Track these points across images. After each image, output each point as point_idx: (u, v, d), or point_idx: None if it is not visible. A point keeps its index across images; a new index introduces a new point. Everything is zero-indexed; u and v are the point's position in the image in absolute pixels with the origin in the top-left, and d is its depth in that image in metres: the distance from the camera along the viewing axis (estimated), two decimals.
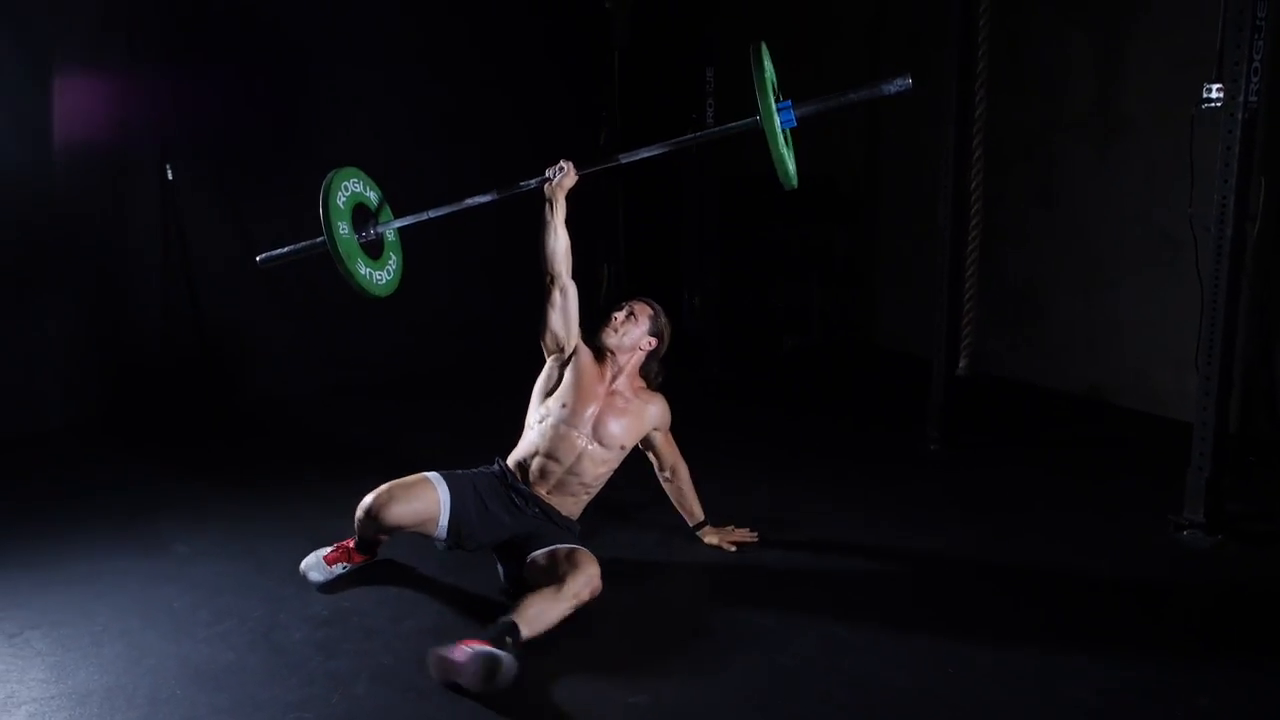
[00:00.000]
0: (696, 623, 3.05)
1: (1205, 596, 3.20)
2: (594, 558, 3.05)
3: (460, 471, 3.24)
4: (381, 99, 5.52)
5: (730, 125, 3.05)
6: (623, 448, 3.32)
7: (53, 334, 4.80)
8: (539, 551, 3.06)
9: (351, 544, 3.27)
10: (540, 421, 3.30)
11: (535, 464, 3.27)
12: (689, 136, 3.31)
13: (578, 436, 3.25)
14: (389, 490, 3.09)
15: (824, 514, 3.78)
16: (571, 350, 3.33)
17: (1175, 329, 4.45)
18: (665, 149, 3.20)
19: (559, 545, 3.08)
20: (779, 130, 2.88)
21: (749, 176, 6.32)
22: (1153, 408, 4.69)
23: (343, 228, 3.30)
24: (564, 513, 3.27)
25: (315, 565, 3.25)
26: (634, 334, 3.34)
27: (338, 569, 3.25)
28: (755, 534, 3.52)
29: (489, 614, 2.92)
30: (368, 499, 3.10)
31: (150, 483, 4.19)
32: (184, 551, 3.52)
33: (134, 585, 3.27)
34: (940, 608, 3.09)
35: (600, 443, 3.26)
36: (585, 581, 2.92)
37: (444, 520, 3.10)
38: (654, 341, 3.37)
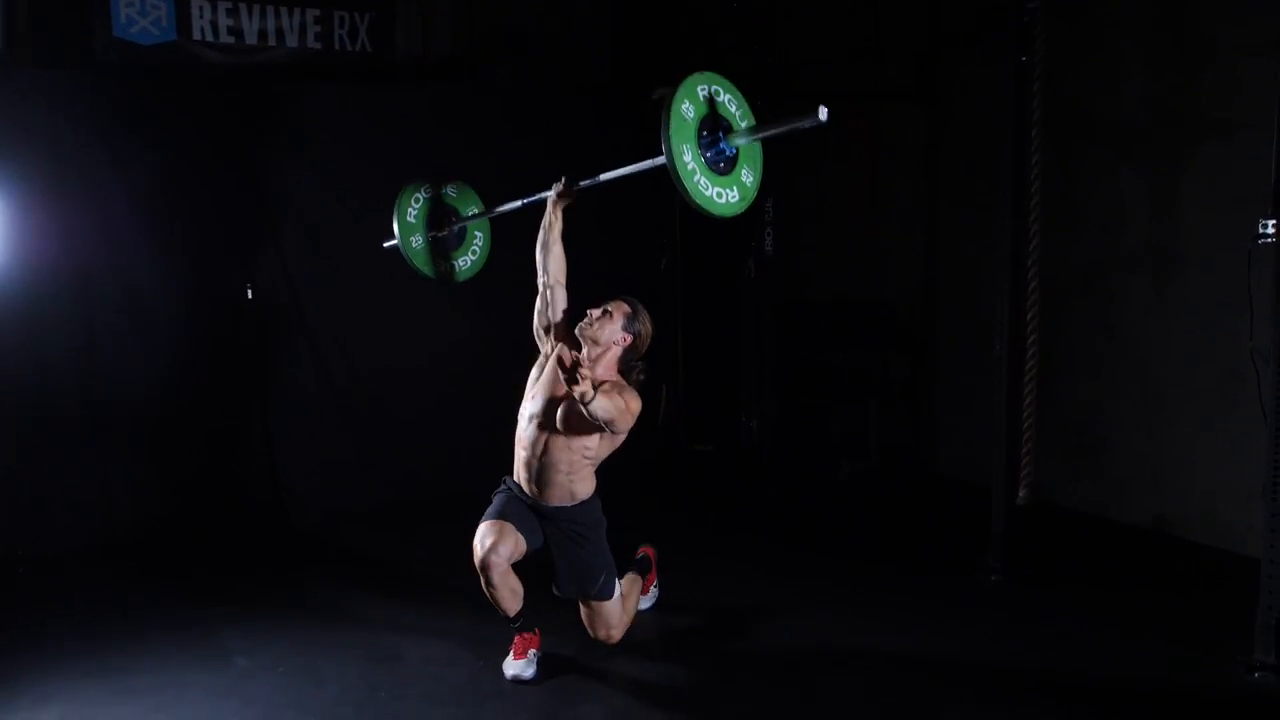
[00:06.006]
0: None
1: None
2: (617, 613, 3.56)
3: (503, 505, 3.48)
4: None
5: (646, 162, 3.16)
6: (579, 433, 3.41)
7: (125, 447, 5.00)
8: (582, 601, 3.59)
9: (519, 638, 3.43)
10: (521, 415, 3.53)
11: (519, 459, 3.53)
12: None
13: (542, 424, 3.44)
14: (489, 542, 3.34)
15: (882, 647, 3.73)
16: (552, 345, 3.59)
17: (1241, 462, 4.37)
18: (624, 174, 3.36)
19: (588, 600, 3.55)
20: (687, 166, 2.90)
21: (808, 302, 6.44)
22: (1220, 542, 4.58)
23: (415, 240, 3.88)
24: (563, 504, 3.47)
25: (513, 667, 3.39)
26: (608, 329, 3.48)
27: (532, 655, 3.44)
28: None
29: None
30: (478, 560, 3.34)
31: (215, 595, 4.29)
32: (244, 665, 3.58)
33: (195, 699, 3.35)
34: None
35: (561, 430, 3.41)
36: (606, 638, 3.62)
37: (528, 549, 3.47)
38: (628, 338, 3.51)
